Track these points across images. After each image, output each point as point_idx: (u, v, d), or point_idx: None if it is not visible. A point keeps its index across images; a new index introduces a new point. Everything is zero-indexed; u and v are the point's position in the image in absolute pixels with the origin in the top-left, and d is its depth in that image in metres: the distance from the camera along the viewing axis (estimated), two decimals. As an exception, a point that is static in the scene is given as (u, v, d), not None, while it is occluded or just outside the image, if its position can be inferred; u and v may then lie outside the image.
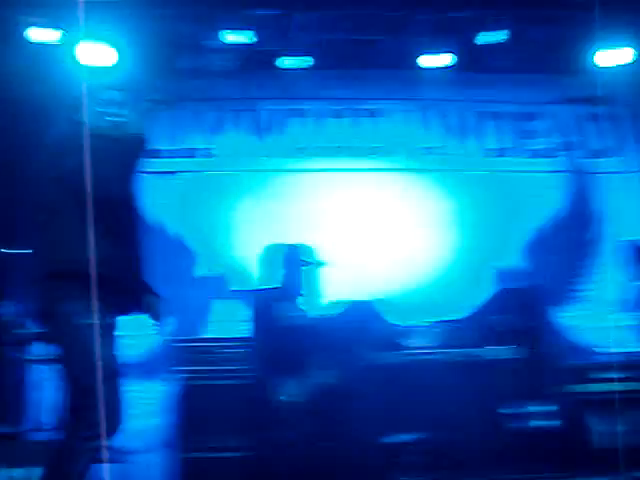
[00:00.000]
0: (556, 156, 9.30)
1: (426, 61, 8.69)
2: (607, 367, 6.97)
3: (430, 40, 8.57)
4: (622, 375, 6.83)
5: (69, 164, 3.34)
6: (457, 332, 7.34)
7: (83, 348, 3.40)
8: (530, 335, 7.23)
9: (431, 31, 8.47)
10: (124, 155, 3.45)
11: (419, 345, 7.21)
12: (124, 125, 3.65)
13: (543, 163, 9.29)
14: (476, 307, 7.54)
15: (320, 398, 6.69)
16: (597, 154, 9.38)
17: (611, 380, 6.77)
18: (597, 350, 7.98)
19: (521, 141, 9.32)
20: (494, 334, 7.21)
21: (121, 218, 3.51)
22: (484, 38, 8.60)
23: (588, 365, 7.27)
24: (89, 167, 3.18)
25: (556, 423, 6.80)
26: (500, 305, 7.38)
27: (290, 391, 6.68)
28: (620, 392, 6.63)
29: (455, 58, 8.72)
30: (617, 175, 9.30)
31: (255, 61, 8.59)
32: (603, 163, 9.34)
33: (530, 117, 9.35)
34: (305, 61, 8.59)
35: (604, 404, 6.64)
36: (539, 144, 9.32)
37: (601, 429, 6.63)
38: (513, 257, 8.86)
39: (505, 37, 8.55)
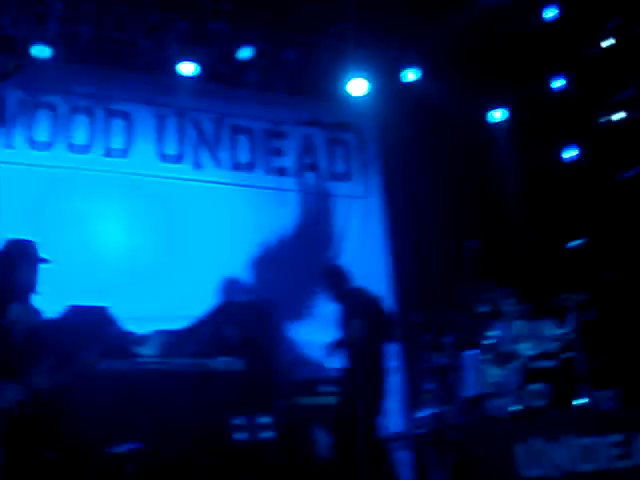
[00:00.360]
0: (298, 176, 9.51)
1: (181, 69, 8.55)
2: (333, 381, 7.17)
3: (186, 48, 8.48)
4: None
5: None
6: (183, 342, 7.18)
7: None
8: (257, 347, 7.24)
9: (189, 39, 8.40)
10: None
11: (145, 353, 6.95)
12: None
13: (285, 181, 9.44)
14: (202, 317, 7.43)
15: (41, 404, 6.20)
16: (335, 177, 9.72)
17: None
18: (325, 364, 8.21)
19: (267, 158, 9.41)
20: (220, 345, 7.14)
21: None
22: (239, 53, 8.67)
23: (315, 379, 7.43)
24: None
25: (282, 435, 6.83)
26: (227, 317, 7.32)
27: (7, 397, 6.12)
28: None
29: (209, 69, 8.72)
30: (349, 199, 9.67)
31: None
32: (339, 186, 9.69)
33: (278, 135, 9.48)
34: (54, 52, 8.10)
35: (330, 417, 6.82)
36: (285, 162, 9.49)
37: (326, 441, 6.79)
38: (243, 270, 8.88)
39: (260, 55, 8.69)
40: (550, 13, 9.37)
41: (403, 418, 8.56)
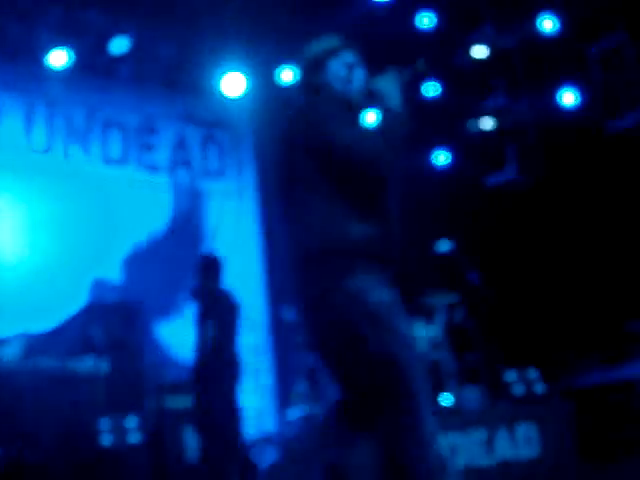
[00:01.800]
0: (171, 172, 9.35)
1: (52, 58, 8.23)
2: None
3: (57, 37, 8.17)
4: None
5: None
6: (48, 343, 6.95)
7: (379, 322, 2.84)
8: (124, 348, 7.09)
9: (61, 27, 8.11)
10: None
11: (6, 354, 6.69)
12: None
13: (157, 178, 9.26)
14: (69, 318, 7.21)
15: None
16: (209, 174, 9.61)
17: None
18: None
19: (140, 153, 9.20)
20: (86, 346, 6.96)
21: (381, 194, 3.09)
22: (114, 44, 8.44)
23: (185, 380, 7.31)
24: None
25: (150, 438, 6.71)
26: (93, 317, 7.14)
27: None
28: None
29: (82, 60, 8.43)
30: (222, 197, 9.58)
31: None
32: (212, 184, 9.59)
33: (151, 131, 9.29)
34: None
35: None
36: (157, 159, 9.30)
37: (195, 445, 6.70)
38: (114, 270, 8.64)
39: (135, 47, 8.49)
40: (425, 20, 9.61)
41: (274, 418, 8.56)
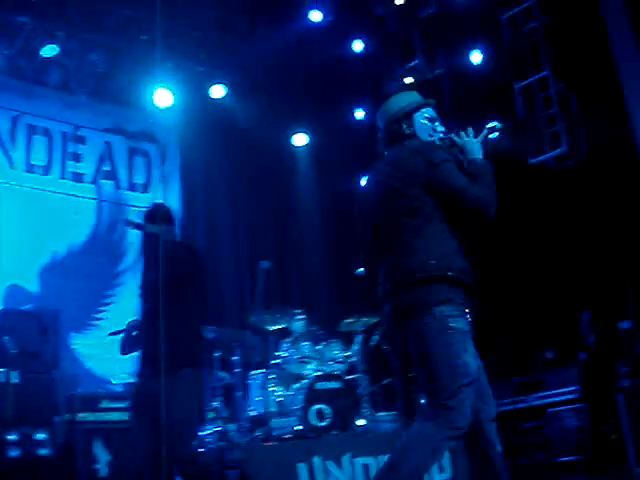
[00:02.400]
0: (95, 183, 9.21)
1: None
2: (119, 397, 6.98)
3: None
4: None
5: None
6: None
7: (452, 349, 3.30)
8: (35, 359, 6.93)
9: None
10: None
11: None
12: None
13: (82, 188, 9.11)
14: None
15: None
16: (133, 187, 9.51)
17: (123, 410, 6.78)
18: (111, 379, 7.99)
19: (65, 162, 9.04)
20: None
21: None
22: (43, 50, 8.33)
23: (98, 394, 7.20)
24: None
25: (59, 452, 6.56)
26: (4, 326, 6.95)
27: None
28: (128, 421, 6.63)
29: (9, 63, 8.34)
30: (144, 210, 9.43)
31: None
32: (136, 197, 9.48)
33: (77, 140, 9.14)
34: None
35: (114, 433, 6.62)
36: (82, 169, 9.15)
37: (106, 459, 6.59)
38: (31, 278, 8.46)
39: (65, 54, 8.39)
40: (357, 46, 9.76)
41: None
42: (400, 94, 3.84)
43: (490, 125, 3.74)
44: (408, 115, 3.69)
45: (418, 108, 3.71)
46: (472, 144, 3.63)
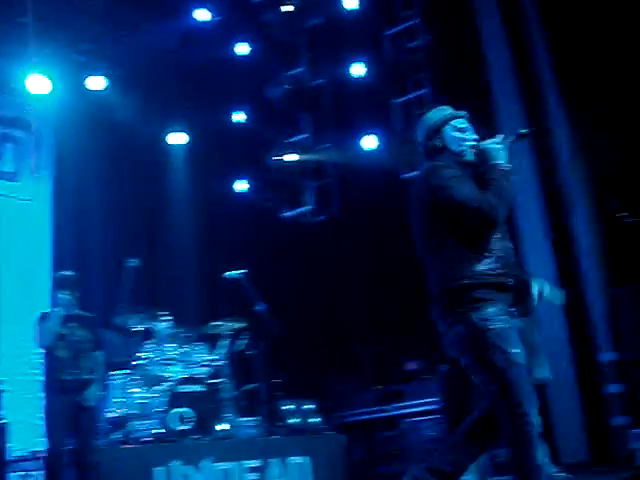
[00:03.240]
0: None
1: None
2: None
3: None
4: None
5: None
6: None
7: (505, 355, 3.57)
8: None
9: None
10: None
11: None
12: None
13: None
14: None
15: None
16: (2, 175, 9.12)
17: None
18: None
19: None
20: None
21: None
22: None
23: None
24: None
25: None
26: None
27: None
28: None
29: None
30: (15, 200, 9.12)
31: None
32: (6, 186, 9.11)
33: None
34: None
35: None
36: None
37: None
38: None
39: None
40: (242, 49, 9.74)
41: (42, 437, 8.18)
42: (434, 110, 4.07)
43: (522, 131, 3.95)
44: (438, 129, 3.94)
45: (447, 121, 3.95)
46: (496, 150, 3.83)
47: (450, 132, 3.93)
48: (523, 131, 3.96)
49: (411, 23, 9.48)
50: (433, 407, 8.77)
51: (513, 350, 3.55)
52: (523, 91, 8.53)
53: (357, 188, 9.83)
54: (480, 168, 3.84)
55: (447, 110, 4.02)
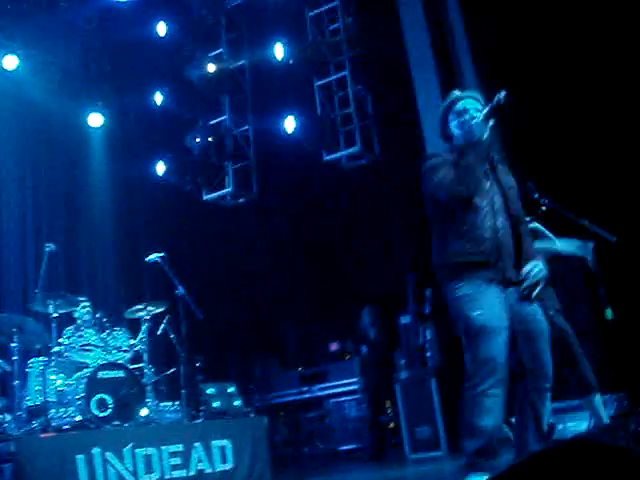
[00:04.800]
0: None
1: None
2: None
3: None
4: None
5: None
6: None
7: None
8: None
9: None
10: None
11: None
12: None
13: None
14: None
15: None
16: None
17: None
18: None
19: None
20: None
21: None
22: None
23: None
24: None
25: None
26: None
27: None
28: None
29: None
30: None
31: None
32: None
33: None
34: None
35: None
36: None
37: None
38: None
39: None
40: (161, 28, 9.59)
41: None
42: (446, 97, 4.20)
43: (499, 97, 3.86)
44: (445, 119, 4.12)
45: (448, 108, 4.11)
46: (476, 126, 3.92)
47: (452, 119, 4.08)
48: (500, 97, 3.87)
49: (333, 5, 9.49)
50: (355, 387, 8.89)
51: (476, 313, 3.71)
52: (443, 75, 8.62)
53: (277, 170, 9.83)
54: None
55: (450, 96, 4.16)
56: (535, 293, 3.87)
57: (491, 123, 3.90)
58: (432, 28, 8.68)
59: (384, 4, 8.75)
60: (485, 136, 3.90)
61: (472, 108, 4.02)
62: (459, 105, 4.07)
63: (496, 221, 3.86)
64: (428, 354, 8.22)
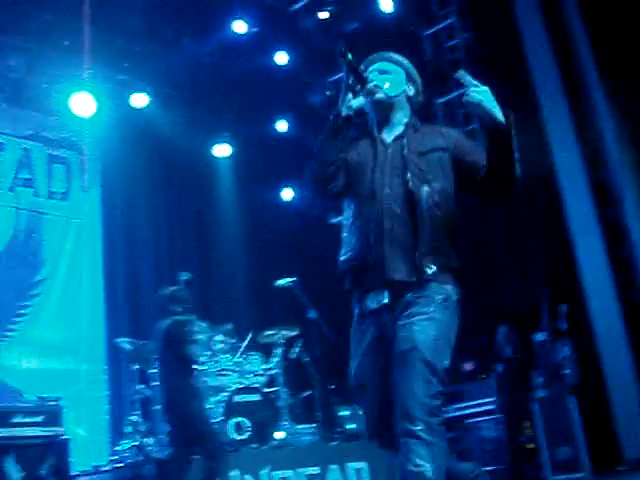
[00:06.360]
0: (13, 190, 8.96)
1: None
2: (33, 412, 6.78)
3: None
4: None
5: None
6: None
7: None
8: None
9: None
10: None
11: None
12: None
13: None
14: None
15: None
16: (52, 195, 9.29)
17: (37, 424, 6.60)
18: (23, 393, 7.81)
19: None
20: None
21: None
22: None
23: (11, 408, 6.98)
24: None
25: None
26: None
27: None
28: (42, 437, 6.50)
29: None
30: (65, 219, 9.29)
31: None
32: (56, 205, 9.28)
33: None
34: None
35: (27, 449, 6.43)
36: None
37: (18, 475, 6.39)
38: None
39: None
40: (281, 58, 9.78)
41: (107, 450, 8.31)
42: None
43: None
44: None
45: None
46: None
47: None
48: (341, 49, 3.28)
49: (448, 22, 9.44)
50: (491, 407, 8.70)
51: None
52: (566, 84, 8.44)
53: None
54: None
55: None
56: None
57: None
58: (553, 36, 8.52)
59: (502, 16, 8.66)
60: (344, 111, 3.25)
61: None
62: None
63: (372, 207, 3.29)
64: (566, 371, 7.96)
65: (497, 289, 8.91)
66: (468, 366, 9.29)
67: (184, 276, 7.14)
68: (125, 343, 7.34)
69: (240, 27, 9.08)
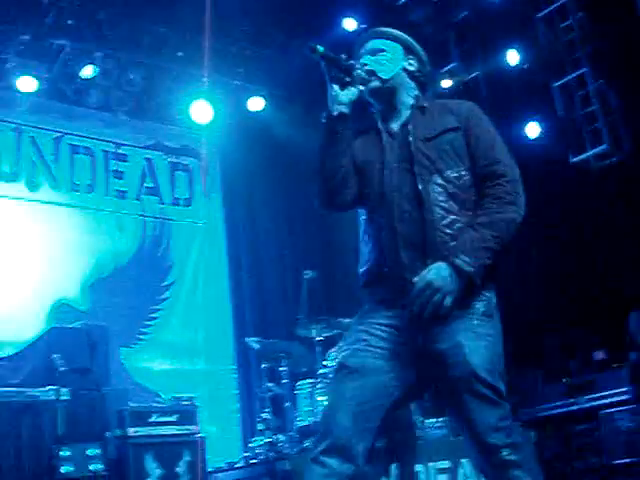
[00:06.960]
0: (138, 199, 9.31)
1: (20, 83, 8.21)
2: (169, 411, 7.01)
3: (26, 62, 8.16)
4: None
5: None
6: (6, 369, 6.82)
7: None
8: (86, 375, 6.99)
9: (29, 54, 8.10)
10: None
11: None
12: None
13: (125, 204, 9.22)
14: (29, 344, 7.11)
15: None
16: (176, 202, 9.59)
17: (173, 423, 6.82)
18: (159, 393, 8.08)
19: (109, 180, 9.15)
20: (46, 373, 6.84)
21: None
22: (82, 71, 8.44)
23: (149, 408, 7.24)
24: None
25: (111, 467, 6.61)
26: (54, 343, 7.02)
27: None
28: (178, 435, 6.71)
29: (50, 86, 8.47)
30: (190, 224, 9.57)
31: None
32: (180, 211, 9.57)
33: (119, 157, 9.26)
34: None
35: (165, 447, 6.66)
36: (125, 186, 9.26)
37: (158, 474, 6.62)
38: (76, 295, 8.55)
39: (103, 74, 8.51)
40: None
41: (239, 447, 8.52)
42: None
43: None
44: None
45: None
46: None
47: None
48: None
49: (562, 2, 9.18)
50: (626, 397, 8.41)
51: (341, 348, 3.02)
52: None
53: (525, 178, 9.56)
54: None
55: None
56: None
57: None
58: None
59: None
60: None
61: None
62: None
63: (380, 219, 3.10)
64: (702, 359, 7.62)
65: (627, 274, 8.60)
66: (599, 355, 9.01)
67: (309, 274, 7.22)
68: (253, 342, 7.48)
69: (350, 24, 9.11)
